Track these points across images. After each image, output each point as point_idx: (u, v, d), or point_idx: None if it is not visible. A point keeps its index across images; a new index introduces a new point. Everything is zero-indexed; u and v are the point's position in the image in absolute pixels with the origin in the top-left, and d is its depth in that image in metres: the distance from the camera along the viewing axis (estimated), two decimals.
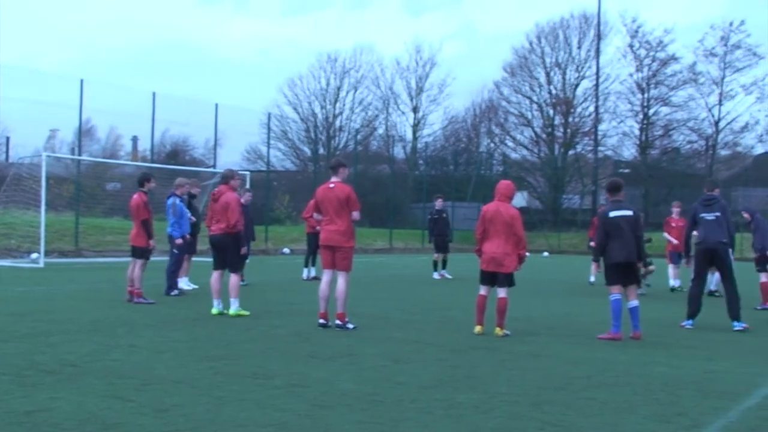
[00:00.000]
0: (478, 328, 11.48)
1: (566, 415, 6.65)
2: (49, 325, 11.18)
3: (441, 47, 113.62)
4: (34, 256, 25.18)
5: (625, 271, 11.42)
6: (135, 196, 14.93)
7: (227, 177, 13.56)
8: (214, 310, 13.01)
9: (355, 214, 11.82)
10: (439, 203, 24.13)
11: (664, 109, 65.87)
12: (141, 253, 14.69)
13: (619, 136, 67.18)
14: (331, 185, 11.80)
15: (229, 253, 13.18)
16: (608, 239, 11.43)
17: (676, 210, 21.65)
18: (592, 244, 19.53)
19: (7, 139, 45.73)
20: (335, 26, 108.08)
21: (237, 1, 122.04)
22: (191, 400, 6.73)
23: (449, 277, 23.04)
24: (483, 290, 11.63)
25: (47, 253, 25.81)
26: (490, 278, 11.57)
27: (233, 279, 13.06)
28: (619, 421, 6.52)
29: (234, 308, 12.84)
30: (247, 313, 12.82)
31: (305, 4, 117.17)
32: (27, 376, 7.57)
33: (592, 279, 22.14)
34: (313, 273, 20.55)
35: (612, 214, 11.42)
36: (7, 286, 17.28)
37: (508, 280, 11.49)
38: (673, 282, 20.82)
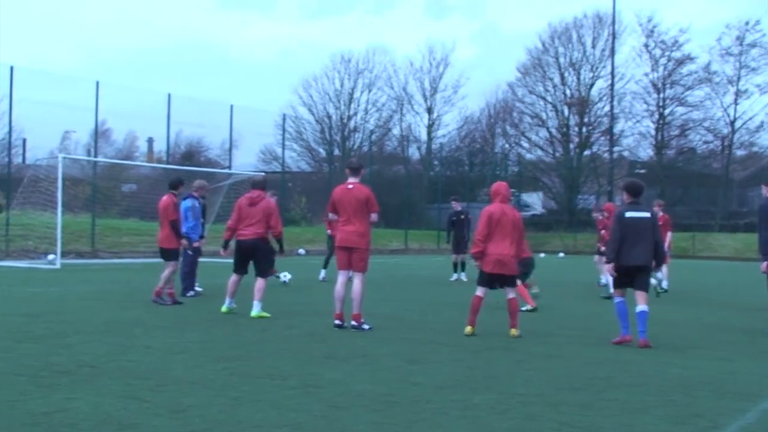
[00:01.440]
0: (469, 329, 11.37)
1: (582, 415, 6.62)
2: (64, 326, 11.22)
3: (454, 48, 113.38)
4: (51, 257, 25.30)
5: (635, 274, 10.92)
6: (165, 197, 14.85)
7: (264, 182, 13.50)
8: (225, 308, 13.08)
9: (374, 216, 11.80)
10: (455, 205, 24.13)
11: (680, 109, 65.72)
12: (172, 255, 14.71)
13: (635, 136, 67.12)
14: (350, 186, 11.77)
15: (260, 257, 13.12)
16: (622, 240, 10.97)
17: (657, 209, 21.50)
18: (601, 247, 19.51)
19: (24, 141, 45.93)
20: (356, 29, 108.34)
21: (258, 4, 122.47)
22: (207, 401, 6.74)
23: (465, 279, 22.88)
24: (481, 292, 11.48)
25: (64, 255, 25.92)
26: (493, 280, 11.49)
27: (261, 282, 13.01)
28: (635, 422, 6.49)
29: (256, 310, 12.82)
30: (267, 315, 12.82)
31: (327, 7, 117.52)
32: (43, 377, 7.60)
33: (603, 280, 21.91)
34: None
35: (628, 214, 10.93)
36: (24, 287, 17.36)
37: (514, 281, 11.44)
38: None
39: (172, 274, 14.58)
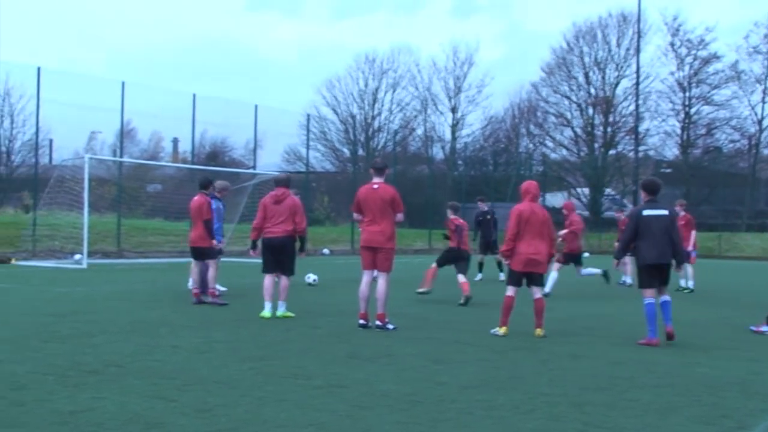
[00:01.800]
0: (504, 330, 11.34)
1: (608, 416, 6.60)
2: (91, 325, 11.29)
3: (478, 47, 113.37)
4: (77, 257, 25.46)
5: (657, 272, 10.98)
6: (197, 197, 14.86)
7: (288, 180, 13.44)
8: (267, 313, 12.73)
9: (400, 216, 11.80)
10: (481, 205, 24.09)
11: (706, 108, 65.25)
12: (210, 253, 14.71)
13: (660, 135, 66.73)
14: (375, 186, 11.75)
15: (288, 255, 13.04)
16: (640, 239, 11.00)
17: (679, 208, 21.35)
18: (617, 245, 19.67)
19: (50, 141, 46.30)
20: (381, 30, 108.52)
21: (284, 5, 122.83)
22: (232, 401, 6.77)
23: (503, 278, 22.72)
24: (513, 291, 11.47)
25: (90, 254, 26.07)
26: (523, 279, 11.49)
27: (286, 282, 12.97)
28: (662, 422, 6.45)
29: (281, 310, 12.83)
30: (292, 314, 12.82)
31: (354, 8, 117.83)
32: (70, 376, 7.65)
33: (627, 280, 21.84)
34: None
35: (645, 212, 10.98)
36: (51, 287, 17.48)
37: (542, 281, 11.44)
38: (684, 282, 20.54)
39: (216, 271, 14.58)
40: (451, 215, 16.84)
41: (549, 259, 11.57)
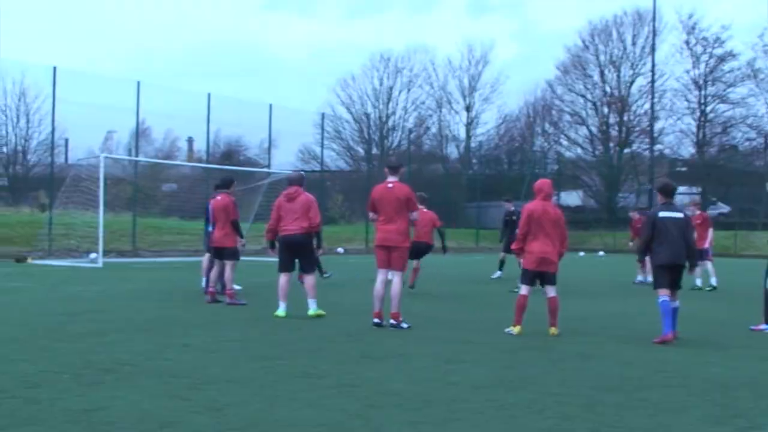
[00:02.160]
0: (518, 329, 11.33)
1: (619, 416, 6.58)
2: (105, 324, 11.33)
3: (493, 46, 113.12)
4: (93, 256, 25.58)
5: (671, 273, 11.05)
6: (220, 197, 14.83)
7: (301, 179, 13.40)
8: (282, 313, 12.65)
9: (415, 214, 11.82)
10: (508, 205, 24.07)
11: (722, 106, 65.02)
12: (232, 254, 14.70)
13: (676, 134, 66.55)
14: (390, 185, 11.75)
15: (307, 252, 13.01)
16: (655, 240, 11.08)
17: (692, 209, 21.28)
18: (630, 245, 19.92)
19: (66, 141, 46.51)
20: (396, 29, 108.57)
21: (298, 5, 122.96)
22: (244, 399, 6.79)
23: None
24: (526, 290, 11.48)
25: (106, 253, 26.19)
26: (535, 278, 11.50)
27: (311, 279, 12.95)
28: (673, 422, 6.44)
29: (313, 308, 12.75)
30: (323, 312, 12.80)
31: (369, 7, 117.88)
32: (83, 374, 7.68)
33: (640, 278, 21.86)
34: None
35: (661, 214, 11.08)
36: (67, 286, 17.57)
37: (555, 279, 11.45)
38: (698, 281, 20.49)
39: (233, 273, 14.57)
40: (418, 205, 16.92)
41: (560, 258, 11.59)
